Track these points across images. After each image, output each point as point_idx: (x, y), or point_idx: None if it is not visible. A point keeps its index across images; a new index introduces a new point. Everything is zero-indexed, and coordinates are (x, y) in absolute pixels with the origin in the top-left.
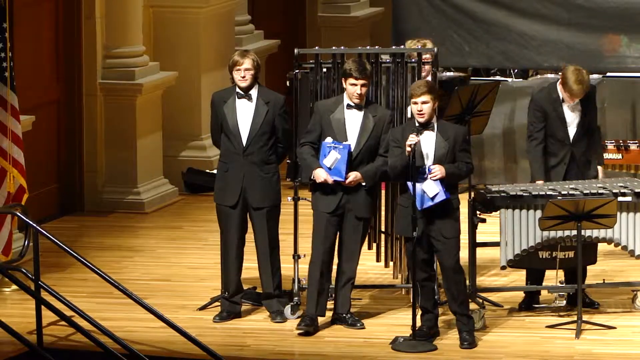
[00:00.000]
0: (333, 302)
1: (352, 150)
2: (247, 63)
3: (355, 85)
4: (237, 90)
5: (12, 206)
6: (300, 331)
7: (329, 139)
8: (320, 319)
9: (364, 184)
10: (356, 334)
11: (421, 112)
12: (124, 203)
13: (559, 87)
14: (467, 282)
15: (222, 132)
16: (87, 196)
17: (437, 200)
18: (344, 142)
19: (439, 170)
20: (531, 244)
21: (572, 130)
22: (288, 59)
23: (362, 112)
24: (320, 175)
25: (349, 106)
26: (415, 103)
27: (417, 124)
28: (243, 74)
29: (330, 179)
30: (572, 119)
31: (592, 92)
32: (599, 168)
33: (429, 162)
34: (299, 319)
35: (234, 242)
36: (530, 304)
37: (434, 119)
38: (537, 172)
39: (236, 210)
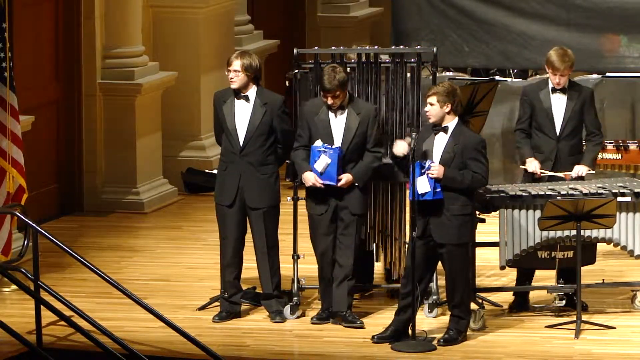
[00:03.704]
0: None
1: (342, 153)
2: (236, 65)
3: (326, 97)
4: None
5: (12, 206)
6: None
7: (318, 142)
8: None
9: (357, 184)
10: (356, 333)
11: (427, 113)
12: (124, 203)
13: (549, 75)
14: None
15: (222, 131)
16: (86, 196)
17: (425, 197)
18: (333, 146)
19: (436, 170)
20: (530, 244)
21: (559, 124)
22: (287, 59)
23: (346, 111)
24: (309, 179)
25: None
26: (427, 103)
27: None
28: (231, 76)
29: (318, 183)
30: (559, 112)
31: (589, 94)
32: (582, 166)
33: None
34: (304, 316)
35: (232, 241)
36: (521, 305)
37: (452, 122)
38: (526, 152)
39: (233, 210)
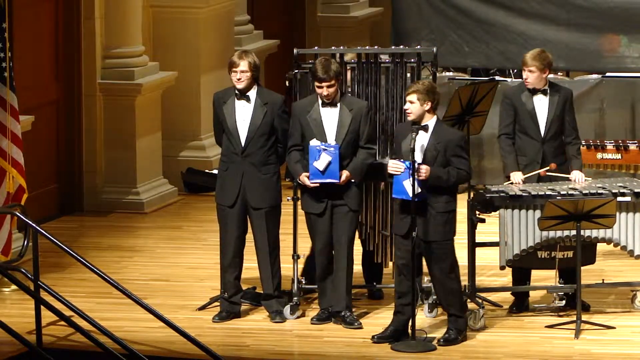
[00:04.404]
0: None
1: (340, 149)
2: (243, 65)
3: (321, 87)
4: (236, 91)
5: (12, 206)
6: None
7: (315, 141)
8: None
9: (353, 180)
10: (356, 333)
11: (407, 110)
12: (124, 203)
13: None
14: (463, 283)
15: (223, 131)
16: (86, 196)
17: (416, 199)
18: (330, 143)
19: (424, 172)
20: (530, 244)
21: (543, 126)
22: (287, 59)
23: (338, 107)
24: (305, 182)
25: (323, 104)
26: (405, 102)
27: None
28: (239, 76)
29: (310, 184)
30: (542, 113)
31: (570, 94)
32: (577, 172)
33: (418, 161)
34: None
35: (232, 241)
36: (521, 305)
37: (431, 120)
38: (510, 165)
39: (234, 210)
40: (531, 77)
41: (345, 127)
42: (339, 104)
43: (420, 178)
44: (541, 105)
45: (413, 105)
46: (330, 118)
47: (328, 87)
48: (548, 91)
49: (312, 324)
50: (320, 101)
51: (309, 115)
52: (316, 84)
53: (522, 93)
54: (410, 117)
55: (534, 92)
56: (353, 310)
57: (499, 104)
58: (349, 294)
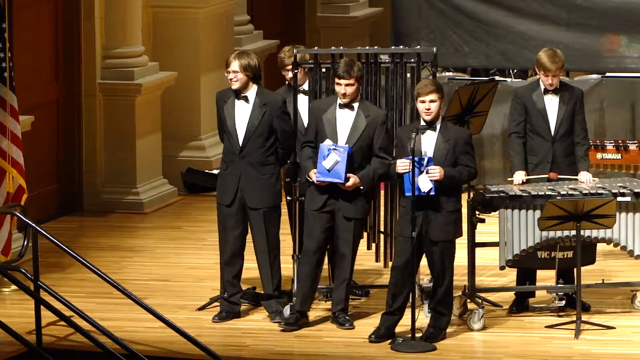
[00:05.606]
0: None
1: (351, 152)
2: (234, 65)
3: (340, 85)
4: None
5: (12, 206)
6: (281, 328)
7: (328, 142)
8: (320, 319)
9: (362, 187)
10: (356, 334)
11: (429, 111)
12: (123, 203)
13: (539, 76)
14: (463, 283)
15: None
16: (86, 196)
17: (431, 193)
18: (342, 145)
19: (438, 172)
20: (530, 244)
21: (553, 126)
22: None
23: (355, 111)
24: (312, 177)
25: (341, 105)
26: (423, 102)
27: (422, 123)
28: (231, 76)
29: (316, 180)
30: (553, 112)
31: (580, 94)
32: (585, 173)
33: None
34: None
35: (231, 241)
36: (521, 305)
37: (438, 119)
38: (517, 164)
39: (233, 210)
40: (555, 80)
41: (359, 131)
42: (356, 108)
43: (434, 179)
44: (552, 105)
45: (435, 104)
46: (344, 120)
47: (347, 85)
48: (558, 91)
49: (311, 324)
50: (338, 102)
51: (325, 114)
52: (336, 80)
53: (533, 92)
54: (430, 117)
55: (545, 91)
56: (352, 310)
57: (500, 103)
58: (346, 299)
